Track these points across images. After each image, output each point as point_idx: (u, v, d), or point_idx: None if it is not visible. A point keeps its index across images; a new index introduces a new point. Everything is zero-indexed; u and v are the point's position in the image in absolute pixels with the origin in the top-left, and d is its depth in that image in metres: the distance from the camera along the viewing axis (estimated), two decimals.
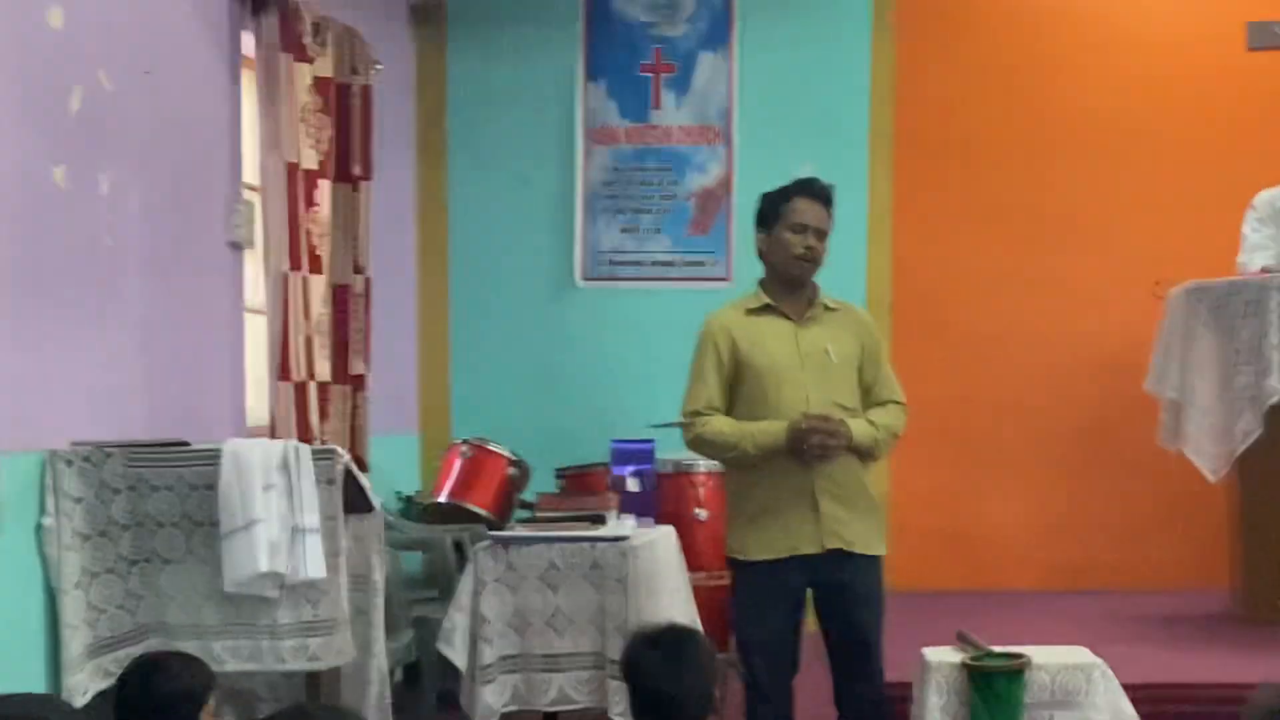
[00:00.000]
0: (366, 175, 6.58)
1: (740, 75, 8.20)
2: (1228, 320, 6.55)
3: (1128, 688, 4.74)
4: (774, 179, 7.83)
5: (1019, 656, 4.66)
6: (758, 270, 7.69)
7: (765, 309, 5.08)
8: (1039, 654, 4.73)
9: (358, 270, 6.55)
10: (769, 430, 4.90)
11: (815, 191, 5.08)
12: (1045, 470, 8.35)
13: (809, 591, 5.04)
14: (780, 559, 4.93)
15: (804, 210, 5.03)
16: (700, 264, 8.16)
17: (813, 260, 5.03)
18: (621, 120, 8.24)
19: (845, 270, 8.09)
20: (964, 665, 4.65)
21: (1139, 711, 4.70)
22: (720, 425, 4.97)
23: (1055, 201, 8.42)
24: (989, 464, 8.30)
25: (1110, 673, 4.71)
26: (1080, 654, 4.80)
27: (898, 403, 5.12)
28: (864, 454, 4.99)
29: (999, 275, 8.39)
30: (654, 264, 8.21)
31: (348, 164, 6.45)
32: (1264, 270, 6.83)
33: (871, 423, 5.00)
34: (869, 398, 5.08)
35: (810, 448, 4.84)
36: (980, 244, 8.41)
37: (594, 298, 8.22)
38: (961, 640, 4.90)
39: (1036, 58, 8.56)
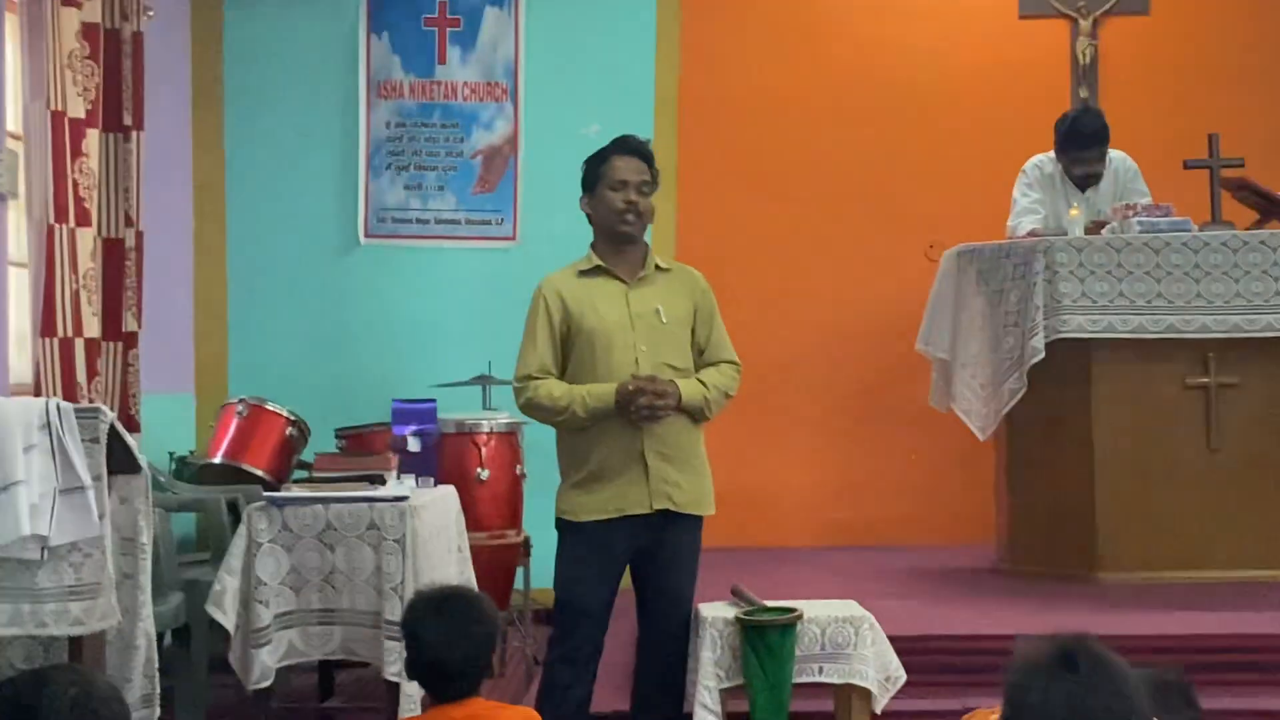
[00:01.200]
0: (138, 125, 6.41)
1: (526, 32, 8.15)
2: (996, 283, 6.72)
3: (895, 639, 4.86)
4: (560, 138, 7.92)
5: (791, 611, 4.75)
6: (544, 230, 7.77)
7: (596, 270, 5.08)
8: (810, 608, 4.83)
9: (129, 223, 6.39)
10: (598, 393, 4.90)
11: (632, 148, 5.11)
12: (823, 430, 8.50)
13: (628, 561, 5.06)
14: (609, 519, 4.94)
15: (622, 167, 5.05)
16: (486, 223, 8.10)
17: (637, 214, 5.04)
18: (406, 74, 8.14)
19: None
20: (737, 620, 4.73)
21: (905, 662, 4.82)
22: (551, 388, 4.96)
23: (836, 164, 8.55)
24: (768, 423, 8.42)
25: (878, 625, 4.82)
26: (850, 608, 4.91)
27: (731, 362, 5.14)
28: (694, 414, 5.01)
29: (781, 237, 8.50)
30: (438, 222, 8.13)
31: (118, 113, 6.28)
32: (1032, 234, 7.02)
33: (702, 383, 5.02)
34: (702, 358, 5.11)
35: (637, 409, 4.86)
36: (763, 206, 8.51)
37: (377, 255, 8.11)
38: (736, 595, 4.98)
39: (819, 23, 8.68)
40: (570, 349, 5.01)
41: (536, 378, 4.98)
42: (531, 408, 5.02)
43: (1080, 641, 2.42)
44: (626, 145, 5.12)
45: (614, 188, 5.04)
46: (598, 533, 4.95)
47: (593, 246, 5.14)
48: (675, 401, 4.90)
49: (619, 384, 4.87)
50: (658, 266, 5.12)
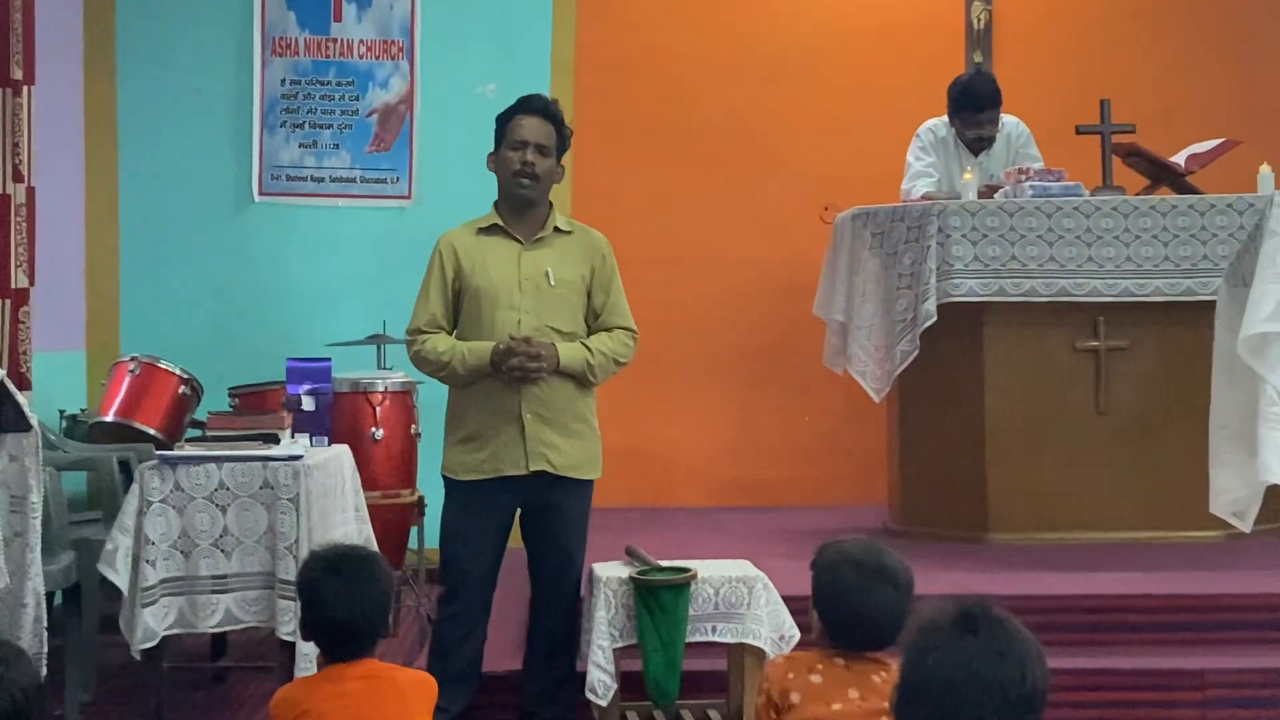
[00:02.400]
0: (29, 80, 6.30)
1: None
2: (890, 245, 6.77)
3: (788, 599, 4.90)
4: (457, 98, 7.89)
5: (685, 571, 4.78)
6: (440, 189, 7.74)
7: (494, 229, 5.08)
8: (704, 568, 4.86)
9: (19, 179, 6.28)
10: (478, 350, 4.93)
11: (536, 107, 5.12)
12: (718, 390, 8.55)
13: (517, 512, 5.09)
14: (486, 479, 4.96)
15: (524, 126, 5.06)
16: (381, 182, 8.04)
17: (532, 175, 5.03)
18: (300, 31, 8.05)
19: None
20: (631, 579, 4.75)
21: (798, 621, 4.85)
22: (437, 343, 4.98)
23: (732, 125, 8.58)
24: (663, 384, 8.44)
25: (772, 585, 4.86)
26: (744, 567, 4.94)
27: (626, 329, 5.15)
28: (577, 378, 5.02)
29: (677, 198, 8.52)
30: (333, 180, 8.06)
31: (7, 67, 6.17)
32: (926, 197, 7.08)
33: (587, 347, 5.03)
34: (597, 322, 5.12)
35: (509, 369, 4.86)
36: (659, 166, 8.52)
37: (272, 214, 8.03)
38: (630, 555, 5.01)
39: None
40: (460, 306, 5.02)
41: (426, 332, 5.01)
42: (418, 361, 5.07)
43: (981, 605, 2.45)
44: (531, 104, 5.13)
45: (513, 147, 5.05)
46: (476, 492, 4.98)
47: (495, 205, 5.14)
48: (551, 364, 4.91)
49: (496, 343, 4.88)
50: (558, 228, 5.12)
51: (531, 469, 4.96)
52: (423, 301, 5.06)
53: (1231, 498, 4.36)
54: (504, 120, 5.13)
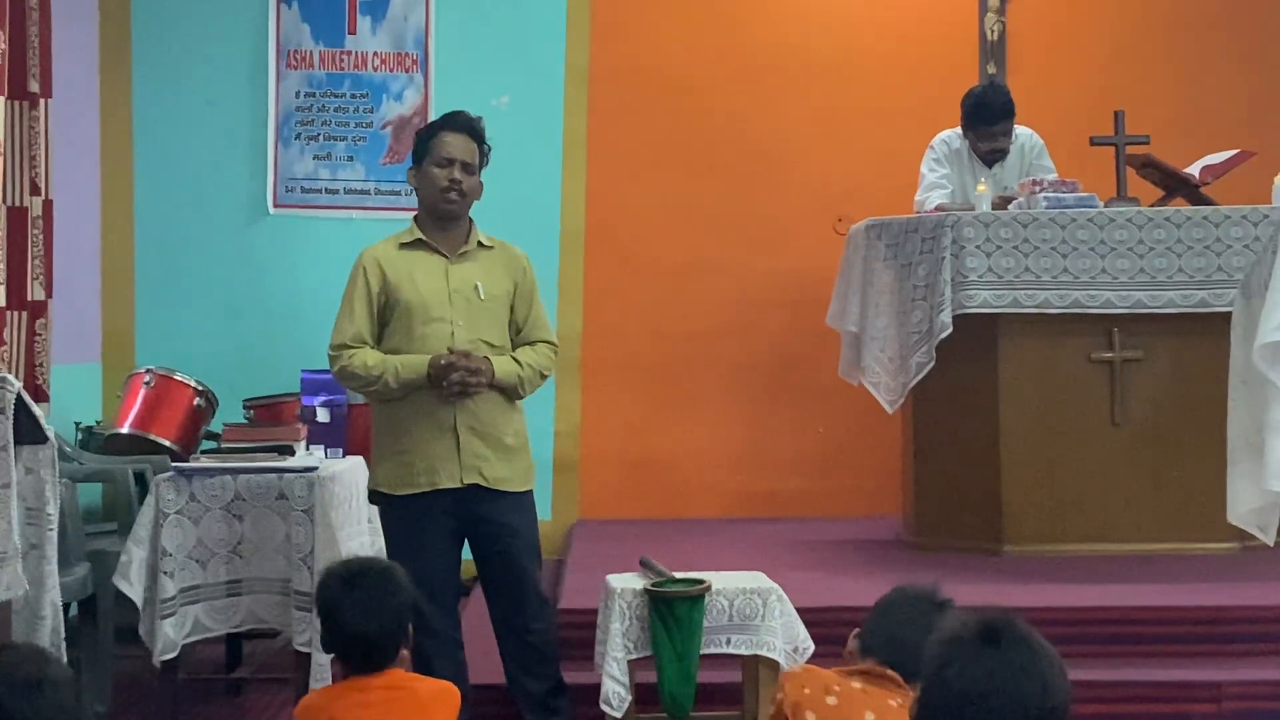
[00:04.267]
0: (45, 93, 6.33)
1: (437, 2, 8.13)
2: (905, 257, 6.76)
3: (802, 611, 4.89)
4: (471, 109, 7.82)
5: (699, 582, 4.77)
6: None
7: (417, 244, 5.07)
8: (719, 579, 4.85)
9: (36, 192, 6.31)
10: (411, 363, 4.90)
11: (461, 124, 5.10)
12: (732, 401, 8.53)
13: (462, 534, 5.05)
14: (422, 493, 4.95)
15: (450, 144, 5.04)
16: (395, 194, 8.07)
17: (460, 193, 5.03)
18: (315, 44, 8.09)
19: (540, 201, 8.16)
20: (646, 591, 4.75)
21: (812, 633, 4.85)
22: (366, 358, 4.94)
23: (747, 136, 8.57)
24: (678, 395, 8.44)
25: (786, 597, 4.84)
26: (758, 579, 4.93)
27: (548, 342, 5.16)
28: (508, 391, 5.02)
29: (691, 208, 8.51)
30: (348, 193, 8.10)
31: (24, 81, 6.19)
32: (939, 208, 7.08)
33: (516, 360, 5.03)
34: (520, 336, 5.12)
35: (449, 383, 4.86)
36: (673, 177, 8.52)
37: (286, 225, 8.07)
38: (644, 566, 5.00)
39: None
40: (387, 320, 5.01)
41: (351, 346, 4.98)
42: (345, 376, 5.02)
43: (1004, 618, 2.45)
44: (456, 122, 5.12)
45: (439, 164, 5.03)
46: (414, 505, 4.95)
47: (416, 219, 5.13)
48: (489, 378, 4.92)
49: (432, 356, 4.89)
50: (480, 243, 5.12)
51: (466, 482, 4.95)
52: (346, 316, 5.01)
53: (1250, 508, 4.34)
54: (427, 136, 5.11)
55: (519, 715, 5.12)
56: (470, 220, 5.15)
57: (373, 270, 5.02)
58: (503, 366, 4.97)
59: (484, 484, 4.96)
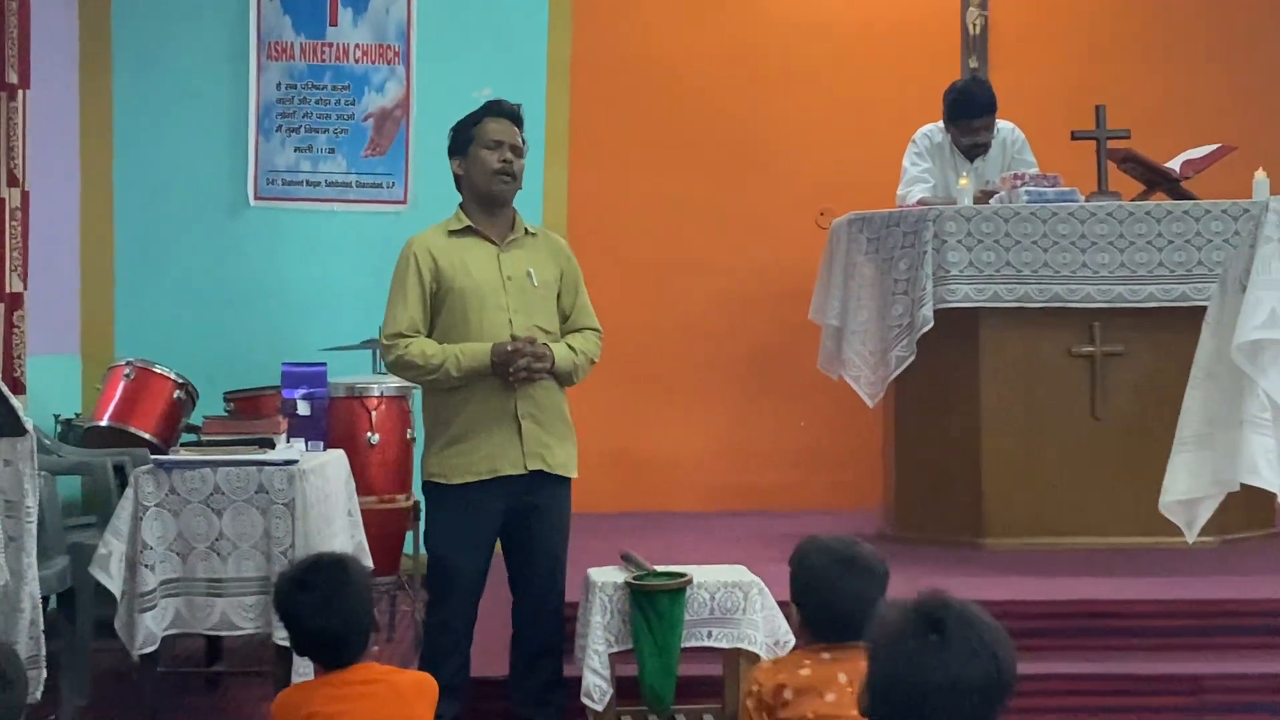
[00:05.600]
0: (24, 84, 6.30)
1: None
2: (887, 250, 6.77)
3: (784, 605, 4.88)
4: (452, 102, 7.82)
5: (680, 575, 4.77)
6: (435, 194, 7.71)
7: (467, 231, 5.08)
8: (700, 573, 4.85)
9: (14, 183, 6.29)
10: (472, 351, 4.91)
11: (504, 111, 5.15)
12: (714, 395, 8.54)
13: (502, 529, 5.07)
14: (482, 480, 4.96)
15: (496, 129, 5.08)
16: (377, 186, 8.06)
17: (511, 175, 5.06)
18: (297, 35, 8.06)
19: (521, 195, 8.09)
20: (627, 584, 4.75)
21: (793, 627, 4.85)
22: (424, 346, 4.96)
23: (730, 131, 8.57)
24: (660, 389, 8.45)
25: (767, 590, 4.85)
26: (739, 573, 4.94)
27: (594, 329, 5.19)
28: (563, 378, 5.05)
29: (673, 202, 8.51)
30: (329, 185, 8.08)
31: (2, 71, 6.17)
32: (921, 202, 7.09)
33: (571, 348, 5.06)
34: (566, 324, 5.14)
35: (517, 369, 4.87)
36: (655, 171, 8.52)
37: (267, 218, 8.05)
38: (626, 560, 5.00)
39: None
40: (440, 308, 5.01)
41: (407, 335, 4.98)
42: (401, 366, 5.02)
43: (941, 602, 2.43)
44: (500, 108, 5.17)
45: (489, 146, 5.06)
46: (471, 495, 4.97)
47: (462, 207, 5.14)
48: (551, 364, 4.94)
49: (495, 344, 4.90)
50: (526, 230, 5.15)
51: (530, 468, 4.97)
52: (400, 305, 5.02)
53: (1179, 499, 4.35)
54: (469, 125, 5.13)
55: (512, 709, 5.14)
56: (514, 208, 5.17)
57: (424, 258, 5.02)
58: (561, 353, 5.00)
59: (548, 470, 5.00)
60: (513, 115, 5.15)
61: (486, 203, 5.09)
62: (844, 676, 3.51)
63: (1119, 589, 5.89)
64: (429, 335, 5.02)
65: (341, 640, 3.63)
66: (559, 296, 5.14)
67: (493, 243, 5.07)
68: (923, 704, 2.34)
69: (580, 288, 5.21)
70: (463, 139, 5.12)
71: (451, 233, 5.09)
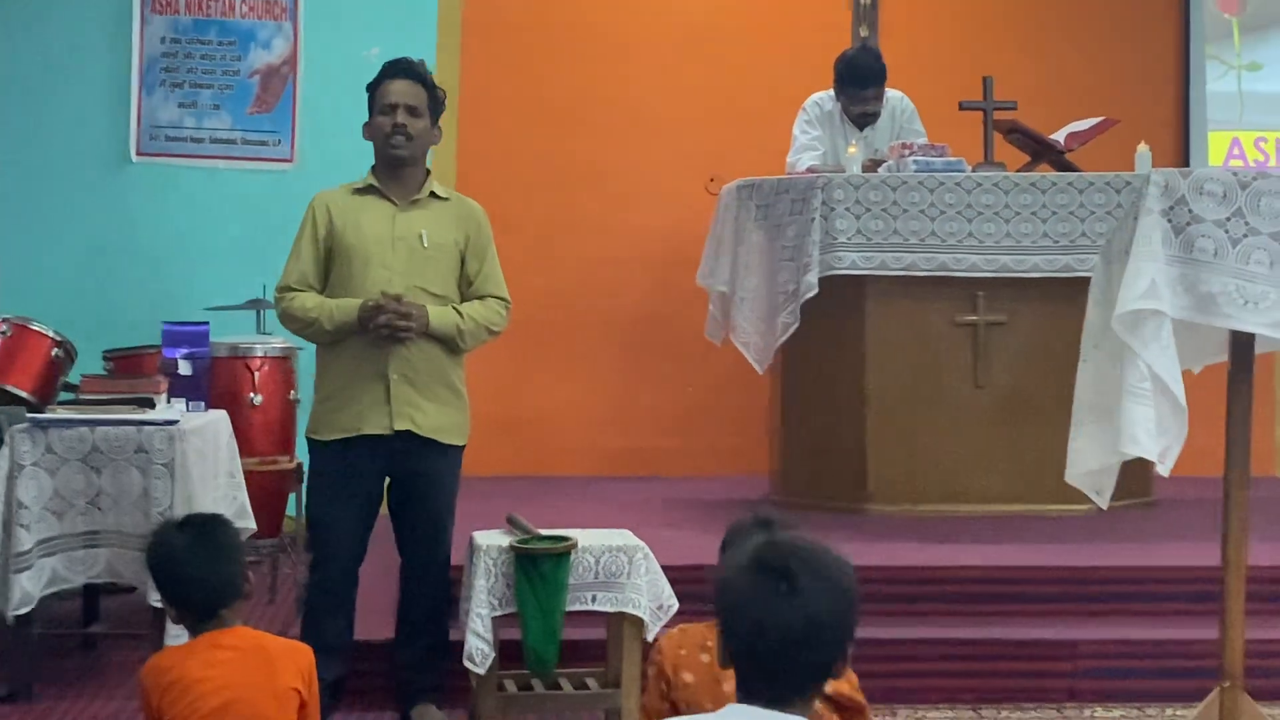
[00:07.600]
0: None
1: None
2: (775, 217, 6.79)
3: (668, 569, 4.91)
4: (340, 61, 7.81)
5: (565, 539, 4.77)
6: (322, 152, 7.65)
7: (369, 190, 5.08)
8: (585, 537, 4.85)
9: None
10: (344, 307, 4.91)
11: (402, 69, 5.12)
12: (601, 359, 8.53)
13: (386, 480, 5.06)
14: (349, 438, 4.94)
15: (392, 90, 5.06)
16: (263, 144, 7.95)
17: (406, 136, 5.03)
18: None
19: None
20: (511, 548, 4.73)
21: (677, 591, 4.87)
22: (305, 300, 4.97)
23: (620, 95, 8.54)
24: (546, 352, 8.42)
25: (651, 555, 4.86)
26: (624, 537, 4.94)
27: (499, 298, 5.14)
28: (447, 342, 5.01)
29: (562, 165, 8.48)
30: (213, 142, 7.95)
31: None
32: (810, 170, 7.11)
33: (458, 311, 5.02)
34: (471, 290, 5.11)
35: (377, 326, 4.84)
36: (545, 133, 8.48)
37: (150, 174, 7.92)
38: (510, 524, 4.99)
39: None
40: (332, 264, 5.00)
41: (295, 289, 5.00)
42: (286, 318, 5.06)
43: (781, 551, 2.40)
44: (398, 67, 5.16)
45: (383, 111, 5.08)
46: (340, 452, 4.97)
47: (372, 169, 5.13)
48: (421, 325, 4.90)
49: (363, 300, 4.86)
50: (434, 194, 5.12)
51: (396, 428, 4.94)
52: (294, 259, 5.05)
53: (1088, 470, 4.42)
54: (373, 87, 5.15)
55: (395, 672, 5.12)
56: (427, 170, 5.17)
57: (321, 214, 5.04)
58: (439, 316, 4.96)
59: (417, 431, 4.95)
60: (411, 73, 5.11)
61: (388, 164, 5.09)
62: None
63: (997, 555, 5.98)
64: (323, 290, 4.99)
65: (211, 591, 3.57)
66: (463, 262, 5.10)
67: (392, 202, 5.05)
68: (785, 651, 2.34)
69: (488, 255, 5.17)
70: (370, 102, 5.12)
71: (355, 191, 5.11)
